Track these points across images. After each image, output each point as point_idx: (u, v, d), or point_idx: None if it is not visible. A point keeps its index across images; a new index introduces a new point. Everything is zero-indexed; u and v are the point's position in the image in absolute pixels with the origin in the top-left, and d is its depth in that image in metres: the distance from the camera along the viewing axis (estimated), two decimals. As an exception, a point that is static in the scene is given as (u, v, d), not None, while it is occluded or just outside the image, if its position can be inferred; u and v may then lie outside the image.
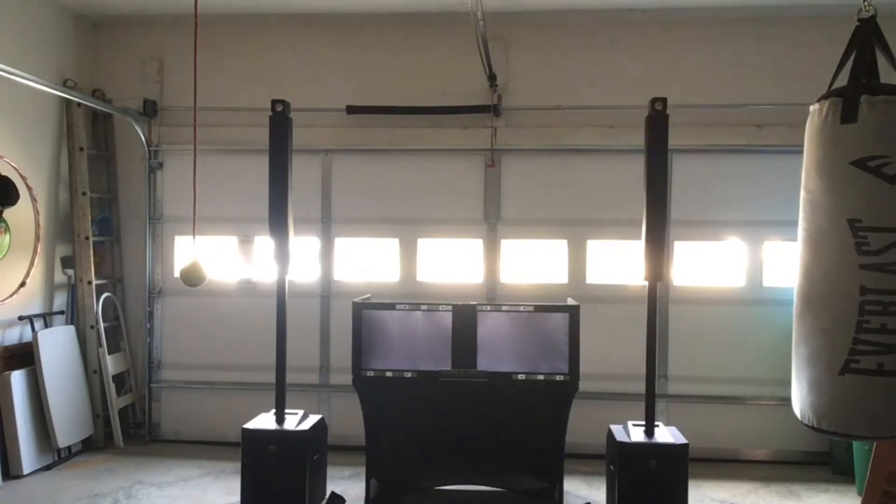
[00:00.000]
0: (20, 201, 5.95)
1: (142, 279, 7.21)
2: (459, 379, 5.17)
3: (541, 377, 5.17)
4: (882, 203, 3.19)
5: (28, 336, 6.28)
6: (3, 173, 5.84)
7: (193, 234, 5.29)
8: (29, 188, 6.16)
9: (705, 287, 6.77)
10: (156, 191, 7.22)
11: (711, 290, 6.76)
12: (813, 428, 3.38)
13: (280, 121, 5.28)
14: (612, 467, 5.05)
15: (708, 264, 6.81)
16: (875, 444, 5.00)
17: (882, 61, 3.37)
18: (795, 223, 3.51)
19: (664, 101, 4.99)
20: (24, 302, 6.27)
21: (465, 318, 5.22)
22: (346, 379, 5.47)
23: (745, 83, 6.66)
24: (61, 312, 6.80)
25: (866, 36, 3.36)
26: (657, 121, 5.01)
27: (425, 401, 5.27)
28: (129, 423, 7.16)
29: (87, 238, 6.80)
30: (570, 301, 5.60)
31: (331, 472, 5.65)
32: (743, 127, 6.66)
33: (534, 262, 6.95)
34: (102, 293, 6.94)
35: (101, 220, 7.12)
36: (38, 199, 6.30)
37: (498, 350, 5.24)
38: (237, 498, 5.14)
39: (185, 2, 4.89)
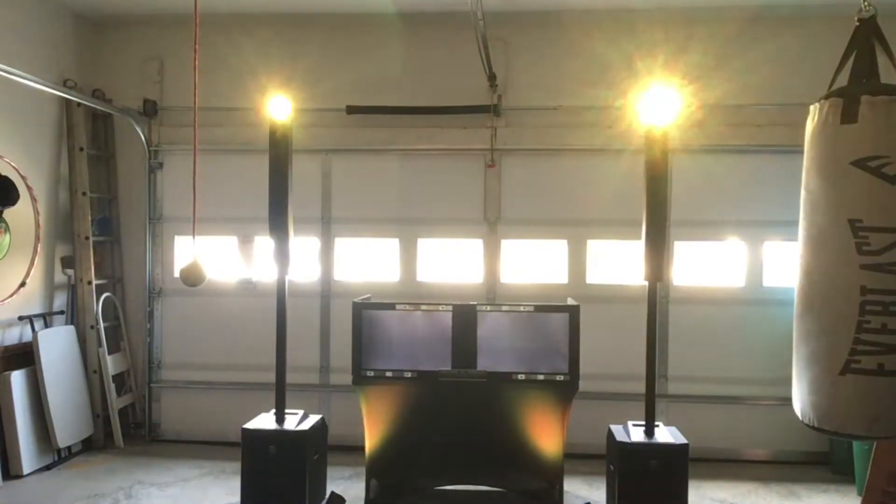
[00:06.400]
0: (20, 201, 5.96)
1: (142, 279, 7.21)
2: (459, 379, 5.17)
3: (541, 377, 5.18)
4: (882, 203, 3.20)
5: (28, 336, 6.28)
6: (3, 173, 5.84)
7: (193, 234, 5.29)
8: (29, 188, 6.16)
9: (705, 287, 6.78)
10: (156, 191, 7.22)
11: (711, 290, 6.76)
12: (813, 428, 3.38)
13: (280, 122, 5.27)
14: (612, 467, 5.05)
15: (708, 264, 6.81)
16: (875, 444, 5.00)
17: (882, 61, 3.38)
18: (795, 223, 3.51)
19: (664, 101, 4.98)
20: (24, 302, 6.27)
21: (465, 318, 5.22)
22: (346, 379, 5.47)
23: (745, 83, 6.66)
24: (61, 312, 6.80)
25: (866, 36, 3.36)
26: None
27: (425, 401, 5.27)
28: (129, 423, 7.16)
29: (87, 238, 6.80)
30: (570, 301, 5.60)
31: (331, 472, 5.64)
32: (743, 127, 6.66)
33: (534, 262, 6.95)
34: (102, 293, 6.94)
35: (101, 220, 7.12)
36: (38, 199, 6.30)
37: (498, 350, 5.24)
38: (237, 498, 5.14)
39: (184, 2, 4.88)
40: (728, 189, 6.72)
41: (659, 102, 4.97)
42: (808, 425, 3.41)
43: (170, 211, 7.18)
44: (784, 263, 6.57)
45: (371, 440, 5.35)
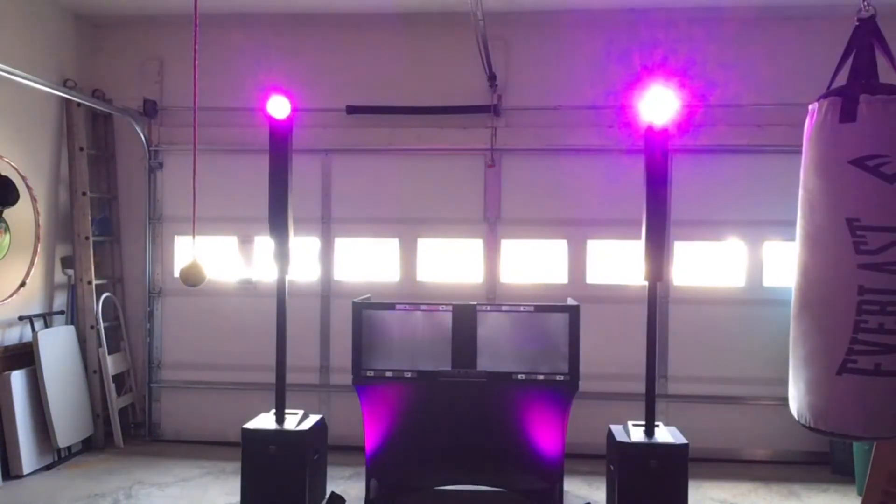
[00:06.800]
0: (20, 201, 5.96)
1: (142, 279, 7.21)
2: (459, 379, 5.17)
3: (541, 377, 5.18)
4: (880, 202, 3.20)
5: (28, 336, 6.29)
6: (3, 173, 5.85)
7: (193, 234, 5.29)
8: (29, 188, 6.16)
9: (705, 287, 6.77)
10: (156, 191, 7.22)
11: (711, 290, 6.76)
12: (810, 428, 3.38)
13: (280, 122, 5.28)
14: (612, 467, 5.05)
15: (708, 264, 6.81)
16: (875, 444, 5.00)
17: (882, 61, 3.38)
18: (795, 223, 3.50)
19: (664, 101, 4.98)
20: (24, 302, 6.28)
21: (465, 318, 5.22)
22: (346, 379, 5.48)
23: (745, 83, 6.65)
24: (61, 312, 6.80)
25: (866, 36, 3.37)
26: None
27: (425, 401, 5.27)
28: (129, 423, 7.16)
29: (87, 238, 6.81)
30: (570, 301, 5.60)
31: (331, 472, 5.66)
32: (743, 127, 6.66)
33: (534, 262, 6.95)
34: (102, 293, 6.95)
35: (101, 220, 7.12)
36: (38, 199, 6.30)
37: (498, 350, 5.24)
38: (237, 498, 5.14)
39: (184, 2, 4.89)
40: (728, 189, 6.71)
41: (659, 102, 4.97)
42: (804, 426, 3.41)
43: (170, 211, 7.18)
44: (784, 263, 6.56)
45: (371, 440, 5.35)
